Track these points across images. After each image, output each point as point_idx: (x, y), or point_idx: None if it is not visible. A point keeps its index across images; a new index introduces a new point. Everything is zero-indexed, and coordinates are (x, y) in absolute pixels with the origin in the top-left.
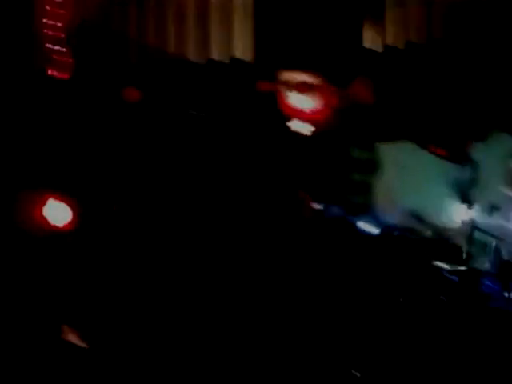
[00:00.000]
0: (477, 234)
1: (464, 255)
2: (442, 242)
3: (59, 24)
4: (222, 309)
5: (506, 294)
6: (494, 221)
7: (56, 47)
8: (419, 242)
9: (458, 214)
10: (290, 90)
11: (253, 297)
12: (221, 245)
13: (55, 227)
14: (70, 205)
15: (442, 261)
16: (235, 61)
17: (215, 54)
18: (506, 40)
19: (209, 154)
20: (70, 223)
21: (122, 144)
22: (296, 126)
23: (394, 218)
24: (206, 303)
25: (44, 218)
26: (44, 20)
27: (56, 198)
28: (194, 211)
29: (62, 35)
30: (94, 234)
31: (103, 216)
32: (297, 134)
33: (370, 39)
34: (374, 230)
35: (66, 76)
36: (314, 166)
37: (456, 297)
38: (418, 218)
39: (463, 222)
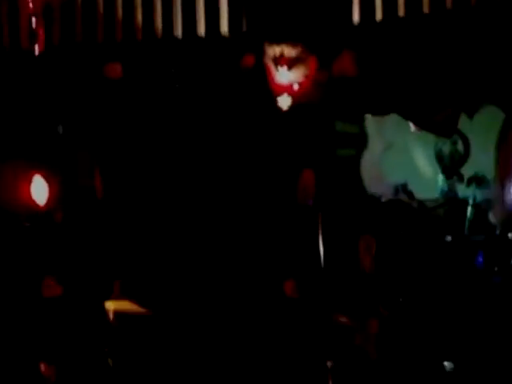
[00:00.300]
0: (464, 207)
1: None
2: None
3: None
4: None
5: (496, 268)
6: (482, 194)
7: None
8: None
9: (445, 188)
10: (276, 64)
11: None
12: (206, 222)
13: (39, 206)
14: (52, 183)
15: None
16: (221, 36)
17: (201, 30)
18: (493, 11)
19: (193, 130)
20: (53, 202)
21: (105, 120)
22: (281, 100)
23: (380, 191)
24: (199, 288)
25: (30, 197)
26: None
27: (41, 176)
28: (180, 187)
29: (41, 10)
30: (78, 214)
31: (86, 195)
32: (282, 109)
33: (358, 13)
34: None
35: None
36: (299, 141)
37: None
38: (405, 191)
39: (451, 195)
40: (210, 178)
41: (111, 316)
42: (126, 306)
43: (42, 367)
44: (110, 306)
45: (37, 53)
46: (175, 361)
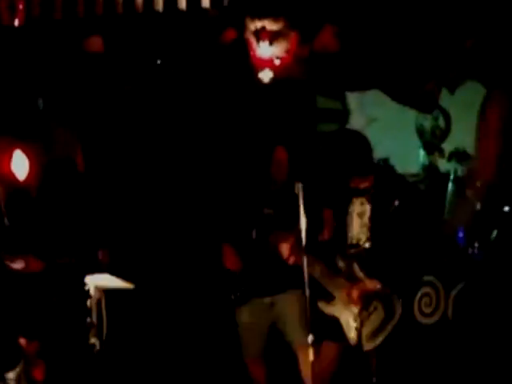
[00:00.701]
0: (445, 182)
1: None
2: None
3: None
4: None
5: (476, 244)
6: (464, 168)
7: None
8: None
9: (426, 162)
10: (257, 39)
11: None
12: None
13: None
14: (32, 158)
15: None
16: (202, 10)
17: (182, 4)
18: None
19: (174, 104)
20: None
21: (86, 94)
22: (263, 74)
23: None
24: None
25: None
26: None
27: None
28: (160, 160)
29: None
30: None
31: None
32: (264, 84)
33: None
34: None
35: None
36: (281, 116)
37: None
38: (387, 166)
39: (432, 170)
40: (187, 151)
41: (92, 290)
42: (107, 280)
43: (23, 343)
44: (92, 280)
45: (16, 26)
46: (156, 333)
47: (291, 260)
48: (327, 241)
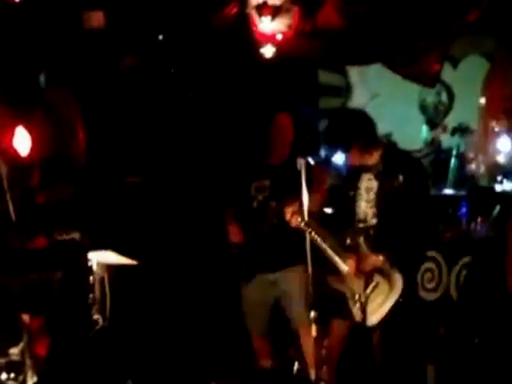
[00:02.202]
0: (448, 158)
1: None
2: None
3: None
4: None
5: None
6: (466, 144)
7: None
8: None
9: (429, 138)
10: (259, 14)
11: None
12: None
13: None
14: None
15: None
16: None
17: None
18: None
19: (178, 80)
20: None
21: (87, 69)
22: (265, 49)
23: None
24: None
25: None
26: None
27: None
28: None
29: None
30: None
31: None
32: (266, 59)
33: None
34: None
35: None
36: (282, 92)
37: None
38: (389, 142)
39: (435, 146)
40: (188, 123)
41: (96, 267)
42: (110, 256)
43: (27, 318)
44: (95, 256)
45: (17, 1)
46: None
47: (294, 222)
48: (335, 216)
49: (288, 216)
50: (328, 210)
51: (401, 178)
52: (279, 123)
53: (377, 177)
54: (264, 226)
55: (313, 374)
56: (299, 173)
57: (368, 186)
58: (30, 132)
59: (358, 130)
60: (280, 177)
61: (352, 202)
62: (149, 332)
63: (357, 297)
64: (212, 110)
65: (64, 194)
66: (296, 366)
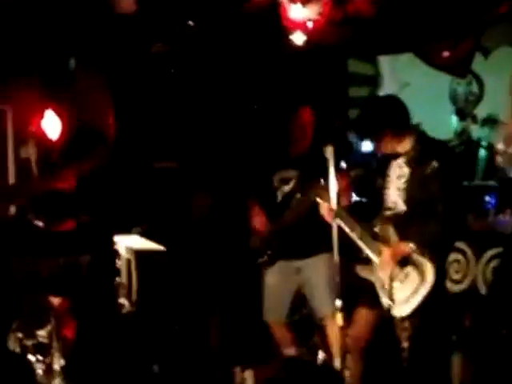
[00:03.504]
0: (478, 149)
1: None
2: None
3: None
4: None
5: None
6: (496, 134)
7: None
8: None
9: (459, 128)
10: (290, 1)
11: None
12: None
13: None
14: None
15: None
16: None
17: None
18: None
19: (205, 65)
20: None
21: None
22: (295, 37)
23: None
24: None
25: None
26: None
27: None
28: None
29: None
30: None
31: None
32: (295, 47)
33: None
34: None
35: None
36: (313, 81)
37: None
38: (418, 133)
39: (465, 136)
40: (215, 113)
41: (122, 251)
42: (138, 241)
43: (54, 301)
44: (121, 240)
45: None
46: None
47: (328, 216)
48: (365, 203)
49: (323, 211)
50: (356, 198)
51: (433, 165)
52: (300, 116)
53: (408, 164)
54: (287, 218)
55: (338, 363)
56: (326, 161)
57: (398, 173)
58: (60, 115)
59: (390, 116)
60: (306, 167)
61: (381, 189)
62: (174, 317)
63: (386, 286)
64: (238, 98)
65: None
66: (320, 354)
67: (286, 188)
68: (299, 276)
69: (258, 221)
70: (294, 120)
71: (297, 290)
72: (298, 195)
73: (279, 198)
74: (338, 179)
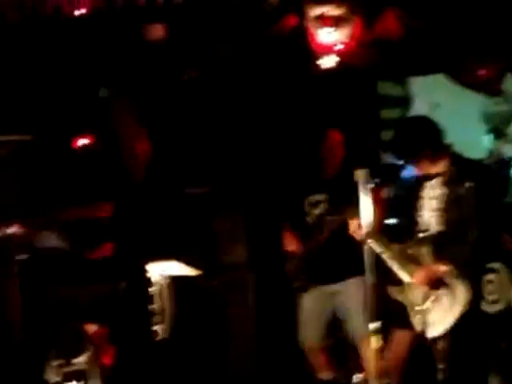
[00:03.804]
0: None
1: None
2: None
3: None
4: None
5: None
6: None
7: None
8: None
9: (492, 148)
10: (318, 25)
11: None
12: None
13: None
14: None
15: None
16: None
17: None
18: None
19: (235, 91)
20: None
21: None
22: (325, 61)
23: None
24: None
25: None
26: None
27: None
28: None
29: None
30: None
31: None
32: (326, 70)
33: None
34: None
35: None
36: (343, 103)
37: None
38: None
39: (498, 156)
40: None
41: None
42: (173, 267)
43: (92, 328)
44: (155, 267)
45: (77, 16)
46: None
47: (357, 235)
48: (398, 225)
49: (353, 228)
50: (390, 221)
51: (468, 185)
52: (329, 138)
53: (444, 184)
54: (319, 241)
55: None
56: (356, 184)
57: (432, 194)
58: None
59: (426, 138)
60: (336, 190)
61: (415, 211)
62: (207, 344)
63: (417, 308)
64: (270, 121)
65: None
66: (355, 377)
67: (317, 211)
68: (334, 300)
69: (292, 244)
70: (323, 142)
71: (332, 313)
72: (329, 217)
73: (310, 221)
74: (371, 198)
